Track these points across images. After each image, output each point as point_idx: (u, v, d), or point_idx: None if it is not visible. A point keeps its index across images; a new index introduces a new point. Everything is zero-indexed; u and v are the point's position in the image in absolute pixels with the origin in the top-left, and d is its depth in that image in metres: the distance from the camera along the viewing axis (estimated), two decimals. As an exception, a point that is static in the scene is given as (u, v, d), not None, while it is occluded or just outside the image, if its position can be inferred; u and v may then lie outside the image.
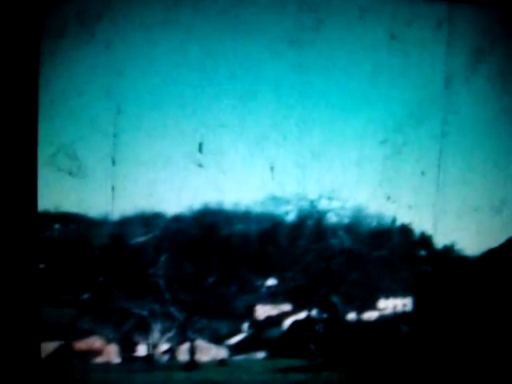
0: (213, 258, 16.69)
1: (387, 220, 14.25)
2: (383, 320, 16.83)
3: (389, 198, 11.49)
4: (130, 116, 10.99)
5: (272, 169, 12.03)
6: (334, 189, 12.26)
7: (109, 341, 18.32)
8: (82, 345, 18.56)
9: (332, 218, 15.37)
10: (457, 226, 10.34)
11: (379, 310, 17.03)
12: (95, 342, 18.48)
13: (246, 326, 18.61)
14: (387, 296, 16.69)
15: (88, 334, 18.29)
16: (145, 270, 16.49)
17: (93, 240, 17.15)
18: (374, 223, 15.02)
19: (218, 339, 18.27)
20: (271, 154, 11.75)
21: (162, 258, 16.38)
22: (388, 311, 16.94)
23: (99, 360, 18.20)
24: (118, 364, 17.97)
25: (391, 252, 15.03)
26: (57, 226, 18.55)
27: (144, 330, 17.39)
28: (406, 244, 14.50)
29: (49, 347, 18.30)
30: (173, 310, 16.86)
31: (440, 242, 13.27)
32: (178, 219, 16.29)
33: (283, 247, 16.40)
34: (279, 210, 15.92)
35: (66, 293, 18.45)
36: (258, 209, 15.65)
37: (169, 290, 16.43)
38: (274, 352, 17.57)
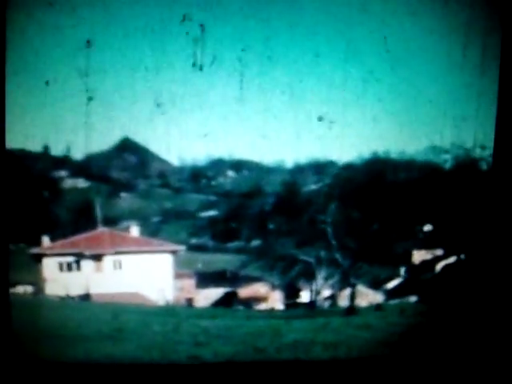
0: (377, 205, 16.77)
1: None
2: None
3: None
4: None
5: (432, 119, 11.94)
6: (486, 138, 12.06)
7: (274, 287, 18.72)
8: (248, 291, 19.04)
9: (483, 166, 15.17)
10: None
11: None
12: (261, 288, 18.92)
13: (402, 270, 18.72)
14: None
15: (254, 280, 18.75)
16: (314, 218, 16.75)
17: (265, 187, 17.49)
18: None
19: (376, 284, 18.44)
20: (430, 105, 11.65)
21: (332, 206, 16.63)
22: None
23: (263, 306, 18.64)
24: (281, 310, 18.37)
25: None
26: (230, 172, 18.99)
27: (309, 276, 17.70)
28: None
29: (215, 293, 18.84)
30: (338, 256, 17.11)
31: None
32: (348, 167, 16.50)
33: (440, 194, 16.36)
34: (439, 158, 15.89)
35: (235, 239, 18.92)
36: (420, 157, 15.65)
37: (335, 237, 16.67)
38: (426, 296, 17.60)
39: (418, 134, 12.82)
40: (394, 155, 14.97)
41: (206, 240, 20.84)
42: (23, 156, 22.15)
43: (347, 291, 17.28)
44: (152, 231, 22.67)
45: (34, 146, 20.71)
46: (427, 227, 17.76)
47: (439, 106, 11.60)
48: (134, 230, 23.46)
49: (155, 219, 23.14)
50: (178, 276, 21.17)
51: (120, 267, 21.88)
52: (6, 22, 5.62)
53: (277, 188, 16.87)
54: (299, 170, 15.85)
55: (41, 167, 21.82)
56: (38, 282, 21.62)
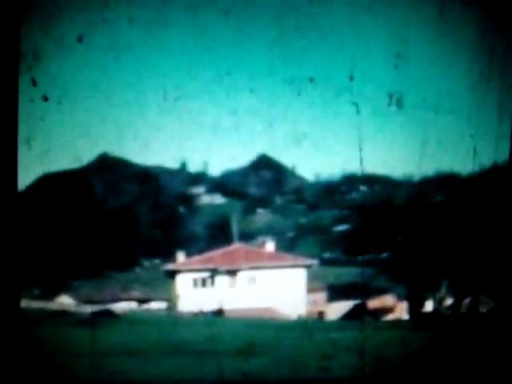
0: (499, 212, 17.29)
1: None
2: None
3: None
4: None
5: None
6: None
7: (400, 298, 19.39)
8: (376, 303, 19.75)
9: None
10: None
11: None
12: (388, 299, 19.61)
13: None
14: None
15: (382, 292, 19.47)
16: (440, 228, 17.39)
17: (395, 200, 18.16)
18: None
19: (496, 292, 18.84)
20: None
21: (457, 215, 17.22)
22: None
23: (390, 317, 19.31)
24: (406, 320, 18.99)
25: None
26: (362, 187, 19.87)
27: (433, 286, 18.28)
28: None
29: (345, 306, 19.59)
30: (461, 265, 17.60)
31: None
32: (470, 179, 17.12)
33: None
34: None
35: (365, 252, 19.71)
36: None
37: (460, 246, 17.19)
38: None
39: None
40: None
41: (337, 254, 21.57)
42: (160, 173, 23.30)
43: (469, 299, 17.86)
44: (286, 246, 23.62)
45: (172, 163, 21.79)
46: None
47: None
48: (269, 246, 24.17)
49: (290, 234, 23.88)
50: (311, 290, 21.89)
51: (254, 282, 22.68)
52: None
53: (405, 201, 17.76)
54: (426, 183, 16.74)
55: (178, 184, 22.86)
56: (171, 298, 22.44)
